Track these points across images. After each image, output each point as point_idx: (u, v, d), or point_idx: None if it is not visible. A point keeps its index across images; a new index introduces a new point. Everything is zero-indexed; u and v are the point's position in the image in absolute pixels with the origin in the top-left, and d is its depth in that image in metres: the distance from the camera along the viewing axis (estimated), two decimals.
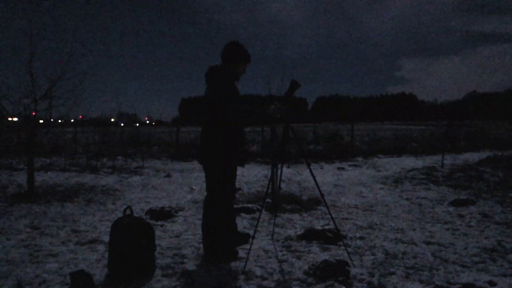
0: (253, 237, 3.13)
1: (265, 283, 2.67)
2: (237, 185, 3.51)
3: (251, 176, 8.04)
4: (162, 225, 4.22)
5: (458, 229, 4.03)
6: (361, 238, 3.71)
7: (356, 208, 5.20)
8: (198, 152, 3.13)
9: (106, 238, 3.34)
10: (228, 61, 3.11)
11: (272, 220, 4.20)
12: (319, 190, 3.29)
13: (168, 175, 8.45)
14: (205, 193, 3.18)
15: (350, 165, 10.40)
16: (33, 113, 5.75)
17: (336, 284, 2.58)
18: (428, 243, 3.55)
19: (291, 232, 3.90)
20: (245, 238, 3.48)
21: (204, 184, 3.22)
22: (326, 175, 8.64)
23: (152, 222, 4.23)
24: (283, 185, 6.49)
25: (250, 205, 4.88)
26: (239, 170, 3.35)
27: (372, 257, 3.15)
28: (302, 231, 3.76)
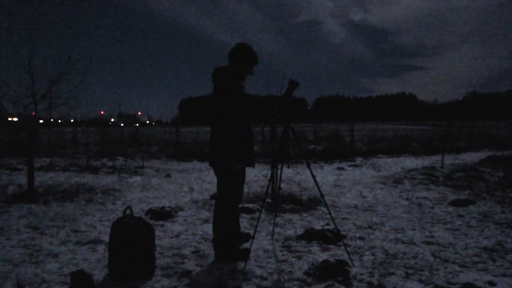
0: (253, 237, 3.14)
1: (265, 283, 2.67)
2: None
3: (251, 176, 8.03)
4: (162, 225, 4.23)
5: (458, 229, 4.03)
6: (361, 238, 3.71)
7: (356, 208, 5.20)
8: (209, 155, 3.14)
9: (106, 238, 3.34)
10: (235, 61, 3.17)
11: (272, 220, 4.20)
12: (319, 190, 3.29)
13: (168, 175, 8.45)
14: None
15: (350, 165, 10.40)
16: (33, 113, 5.74)
17: (336, 284, 2.58)
18: (428, 243, 3.55)
19: (291, 232, 3.90)
20: (246, 238, 3.51)
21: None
22: (326, 175, 8.64)
23: (152, 222, 4.24)
24: (283, 185, 6.48)
25: (250, 205, 4.88)
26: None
27: (372, 257, 3.15)
28: (302, 231, 3.76)
